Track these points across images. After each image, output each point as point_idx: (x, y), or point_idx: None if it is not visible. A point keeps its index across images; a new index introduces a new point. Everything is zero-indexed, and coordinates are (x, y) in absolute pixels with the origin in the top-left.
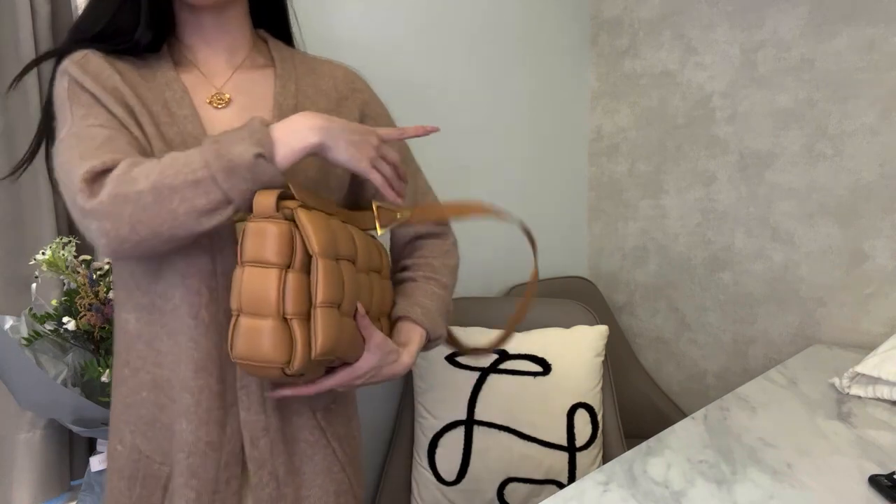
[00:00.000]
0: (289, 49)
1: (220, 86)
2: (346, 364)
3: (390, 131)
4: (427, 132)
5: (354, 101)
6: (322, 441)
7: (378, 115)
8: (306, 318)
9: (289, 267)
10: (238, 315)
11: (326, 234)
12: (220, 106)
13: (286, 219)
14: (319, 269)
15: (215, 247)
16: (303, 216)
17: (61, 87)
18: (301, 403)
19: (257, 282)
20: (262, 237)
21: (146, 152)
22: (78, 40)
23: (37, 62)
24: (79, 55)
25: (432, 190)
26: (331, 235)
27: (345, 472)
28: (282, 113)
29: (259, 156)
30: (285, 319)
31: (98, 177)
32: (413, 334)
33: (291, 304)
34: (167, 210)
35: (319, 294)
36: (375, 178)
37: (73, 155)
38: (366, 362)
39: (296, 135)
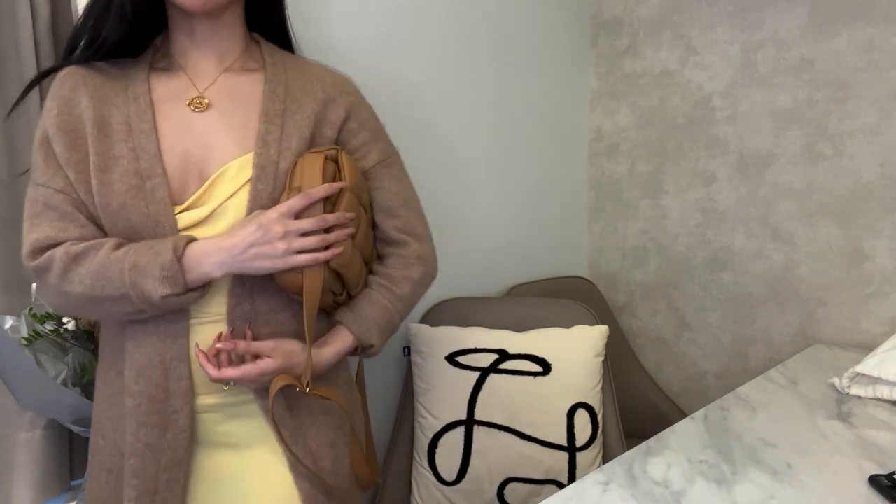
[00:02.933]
0: (281, 52)
1: (203, 89)
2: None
3: (292, 203)
4: (334, 189)
5: (342, 103)
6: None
7: (363, 120)
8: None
9: (327, 198)
10: None
11: (357, 177)
12: (198, 109)
13: (332, 160)
14: (345, 198)
15: None
16: (344, 158)
17: (37, 136)
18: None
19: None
20: (313, 169)
21: (89, 197)
22: (71, 48)
23: (36, 82)
24: (59, 80)
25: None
26: (360, 180)
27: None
28: (269, 118)
29: (167, 296)
30: None
31: (38, 252)
32: (338, 337)
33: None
34: (99, 309)
35: (358, 235)
36: (300, 263)
37: (28, 216)
38: (270, 364)
39: (201, 268)
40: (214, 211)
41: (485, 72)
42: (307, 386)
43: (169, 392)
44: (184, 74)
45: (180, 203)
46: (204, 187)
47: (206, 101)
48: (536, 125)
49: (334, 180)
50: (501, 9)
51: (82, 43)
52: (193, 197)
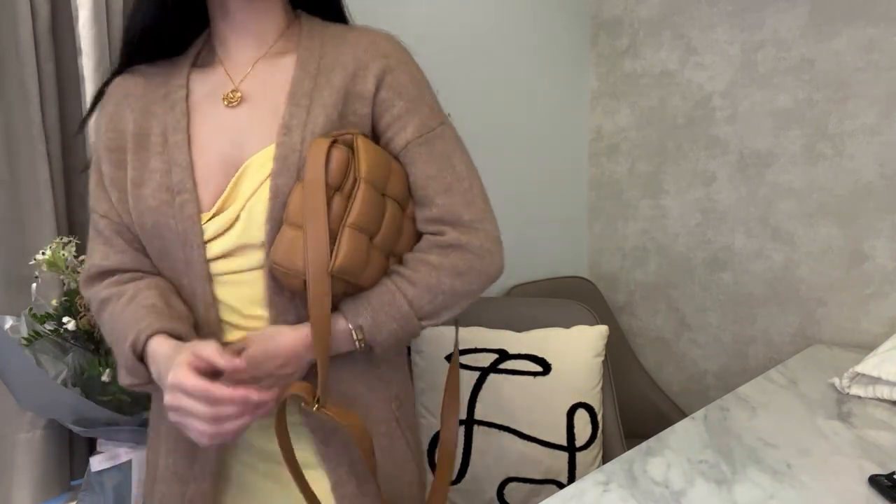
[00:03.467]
0: (322, 25)
1: (238, 82)
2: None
3: (194, 385)
4: (235, 367)
5: (372, 69)
6: (397, 432)
7: (400, 87)
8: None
9: (338, 189)
10: (285, 225)
11: (377, 165)
12: (232, 105)
13: (346, 145)
14: (360, 192)
15: (197, 298)
16: (360, 142)
17: (92, 156)
18: (377, 397)
19: (313, 197)
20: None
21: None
22: (121, 54)
23: (98, 98)
24: (107, 95)
25: (467, 176)
26: (382, 168)
27: (415, 462)
28: (295, 101)
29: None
30: None
31: (88, 281)
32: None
33: (330, 222)
34: (118, 349)
35: (351, 215)
36: (227, 434)
37: (89, 239)
38: (247, 361)
39: (154, 368)
40: (240, 214)
41: (485, 72)
42: (316, 401)
43: None
44: (221, 68)
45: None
46: (228, 189)
47: (240, 94)
48: (536, 125)
49: (348, 169)
50: (501, 9)
51: (124, 41)
52: (220, 201)
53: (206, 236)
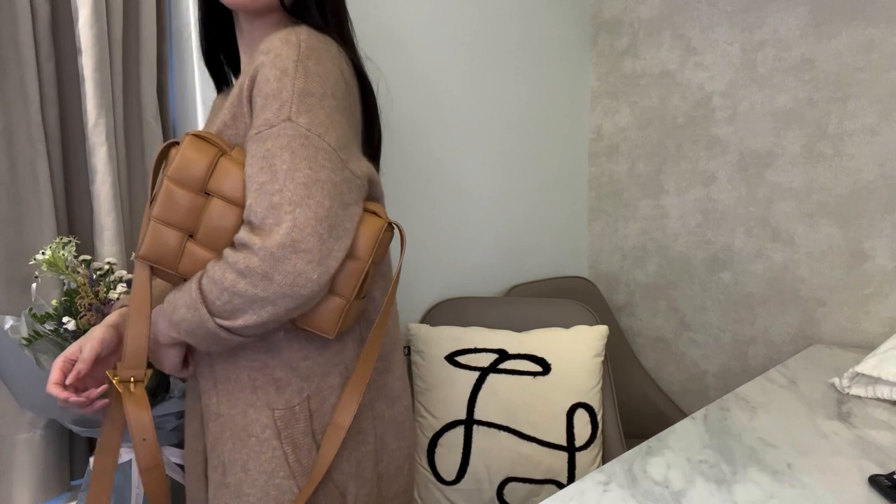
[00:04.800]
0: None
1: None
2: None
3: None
4: (90, 401)
5: (255, 65)
6: (271, 443)
7: (262, 84)
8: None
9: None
10: None
11: (187, 163)
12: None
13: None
14: (161, 188)
15: None
16: (185, 140)
17: None
18: (258, 398)
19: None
20: (164, 158)
21: None
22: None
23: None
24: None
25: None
26: (196, 166)
27: (293, 481)
28: (216, 112)
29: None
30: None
31: None
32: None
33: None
34: None
35: (153, 209)
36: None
37: None
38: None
39: None
40: None
41: (485, 72)
42: (113, 373)
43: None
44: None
45: None
46: None
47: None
48: (536, 125)
49: (159, 169)
50: (501, 9)
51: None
52: None
53: None
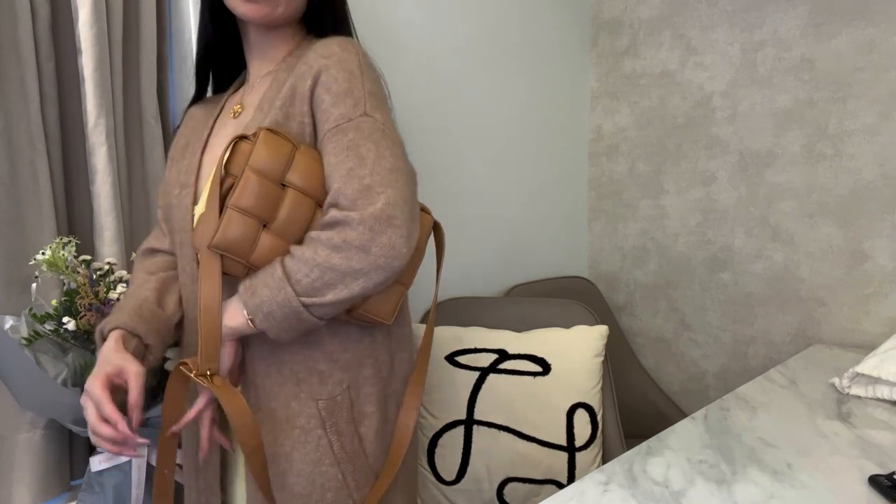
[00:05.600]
0: (312, 40)
1: (243, 97)
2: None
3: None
4: (135, 403)
5: (313, 69)
6: (317, 432)
7: (330, 83)
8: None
9: (239, 178)
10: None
11: (269, 155)
12: (236, 116)
13: (253, 139)
14: (243, 177)
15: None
16: (263, 135)
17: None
18: (301, 391)
19: (215, 185)
20: (234, 151)
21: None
22: (195, 86)
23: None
24: (185, 118)
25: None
26: (277, 157)
27: (339, 468)
28: (260, 108)
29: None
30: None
31: (141, 255)
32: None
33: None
34: None
35: (233, 198)
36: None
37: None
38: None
39: None
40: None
41: (485, 72)
42: (203, 375)
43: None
44: (245, 87)
45: None
46: (208, 184)
47: (240, 108)
48: (537, 125)
49: (246, 161)
50: (501, 9)
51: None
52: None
53: (195, 222)
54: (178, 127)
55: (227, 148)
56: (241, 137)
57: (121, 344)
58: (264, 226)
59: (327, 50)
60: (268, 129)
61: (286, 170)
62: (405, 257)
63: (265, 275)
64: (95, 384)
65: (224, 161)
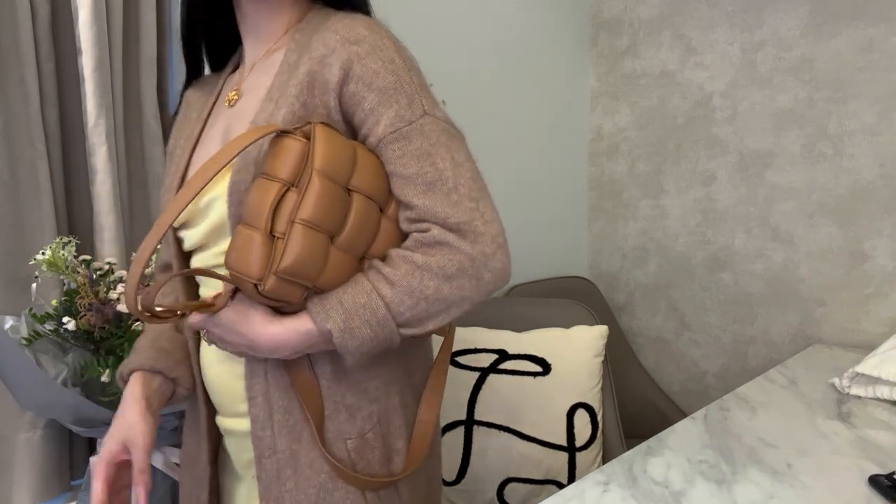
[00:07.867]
0: (325, 15)
1: (240, 82)
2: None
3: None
4: (143, 481)
5: (339, 56)
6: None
7: (369, 78)
8: None
9: (293, 185)
10: (241, 224)
11: (336, 155)
12: (232, 104)
13: (305, 136)
14: (311, 184)
15: None
16: (320, 131)
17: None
18: (327, 429)
19: (260, 193)
20: (278, 150)
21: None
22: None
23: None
24: (181, 103)
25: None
26: (343, 160)
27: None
28: (269, 96)
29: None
30: (273, 237)
31: (157, 271)
32: (297, 317)
33: (281, 221)
34: None
35: (301, 210)
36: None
37: None
38: (213, 322)
39: None
40: (198, 208)
41: (485, 72)
42: (259, 283)
43: (198, 410)
44: (241, 69)
45: None
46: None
47: (236, 94)
48: (536, 125)
49: (305, 162)
50: (501, 9)
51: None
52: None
53: (177, 227)
54: (176, 114)
55: (278, 148)
56: (284, 132)
57: (140, 388)
58: (330, 239)
59: (353, 33)
60: (323, 124)
61: (352, 173)
62: (510, 277)
63: (364, 312)
64: (99, 465)
65: (266, 163)
